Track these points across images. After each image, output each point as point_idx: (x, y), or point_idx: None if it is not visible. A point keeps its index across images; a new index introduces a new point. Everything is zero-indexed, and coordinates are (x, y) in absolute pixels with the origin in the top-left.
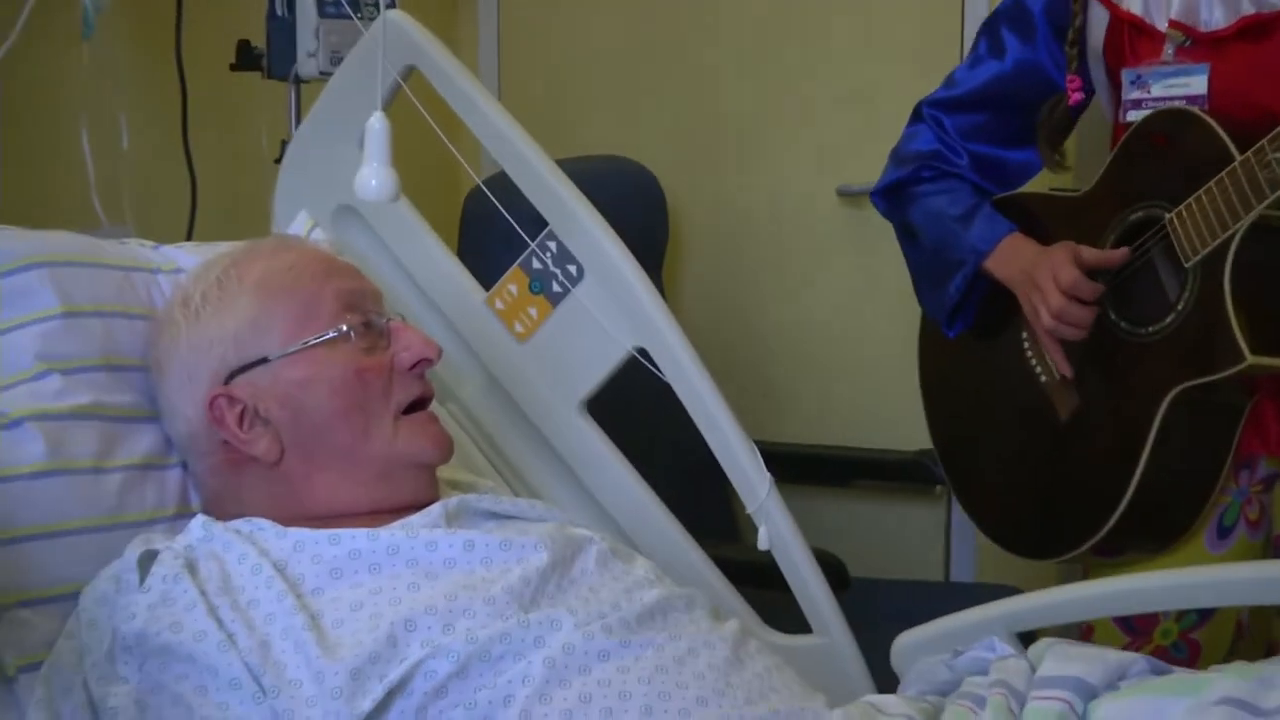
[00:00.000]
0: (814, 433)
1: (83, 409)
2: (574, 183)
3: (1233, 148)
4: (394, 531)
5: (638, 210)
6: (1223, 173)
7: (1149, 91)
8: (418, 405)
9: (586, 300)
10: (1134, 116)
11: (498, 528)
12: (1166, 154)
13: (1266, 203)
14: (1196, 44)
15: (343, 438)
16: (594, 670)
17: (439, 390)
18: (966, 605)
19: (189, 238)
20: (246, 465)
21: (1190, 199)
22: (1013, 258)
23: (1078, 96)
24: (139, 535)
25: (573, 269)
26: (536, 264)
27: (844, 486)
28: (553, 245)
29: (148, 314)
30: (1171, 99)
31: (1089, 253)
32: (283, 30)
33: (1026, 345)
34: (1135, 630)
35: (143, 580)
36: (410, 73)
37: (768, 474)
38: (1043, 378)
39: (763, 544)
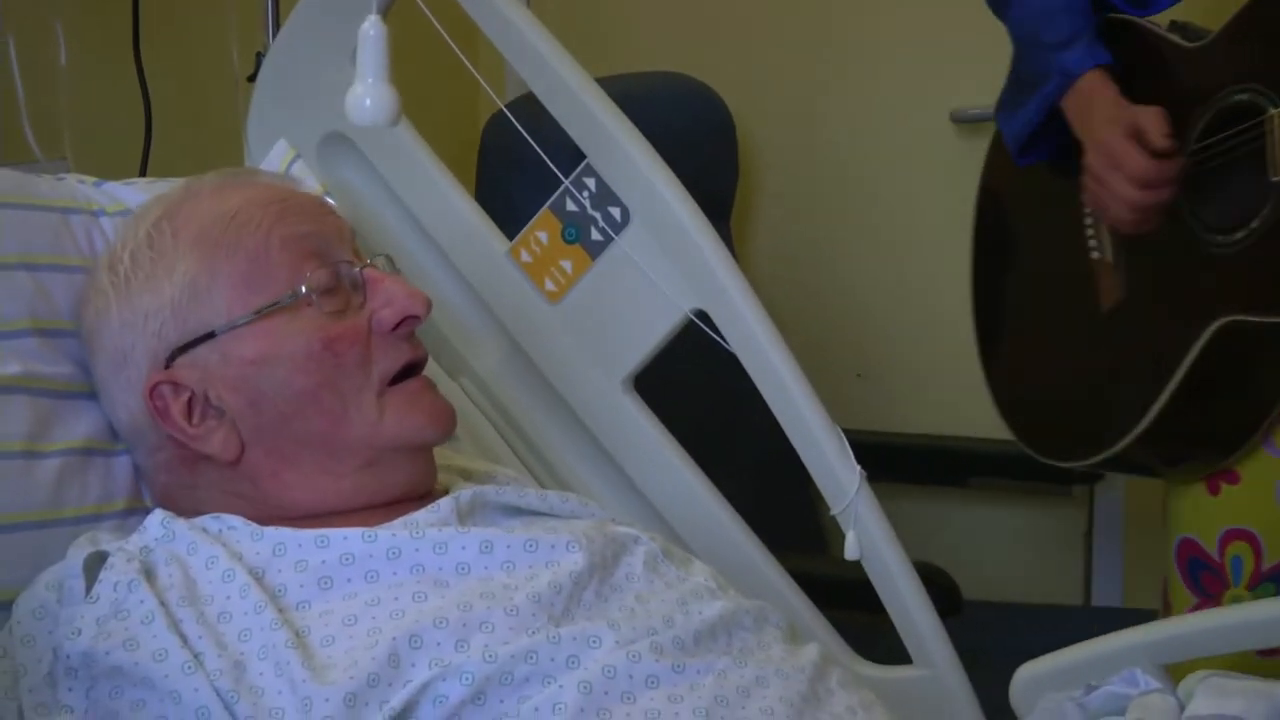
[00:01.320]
0: (919, 420)
1: (10, 380)
2: (619, 106)
3: None
4: (395, 531)
5: (699, 142)
6: None
7: None
8: (408, 372)
9: (633, 251)
10: None
11: (522, 526)
12: None
13: None
14: None
15: (315, 425)
16: (640, 699)
17: (450, 362)
18: (1106, 634)
19: (143, 174)
20: (201, 462)
21: None
22: (1086, 108)
23: None
24: (83, 534)
25: (616, 213)
26: (571, 206)
27: (958, 486)
28: (591, 183)
29: (88, 265)
30: None
31: (1155, 133)
32: None
33: (1088, 209)
34: (1204, 591)
35: (90, 588)
36: None
37: (858, 467)
38: (1094, 253)
39: (850, 553)
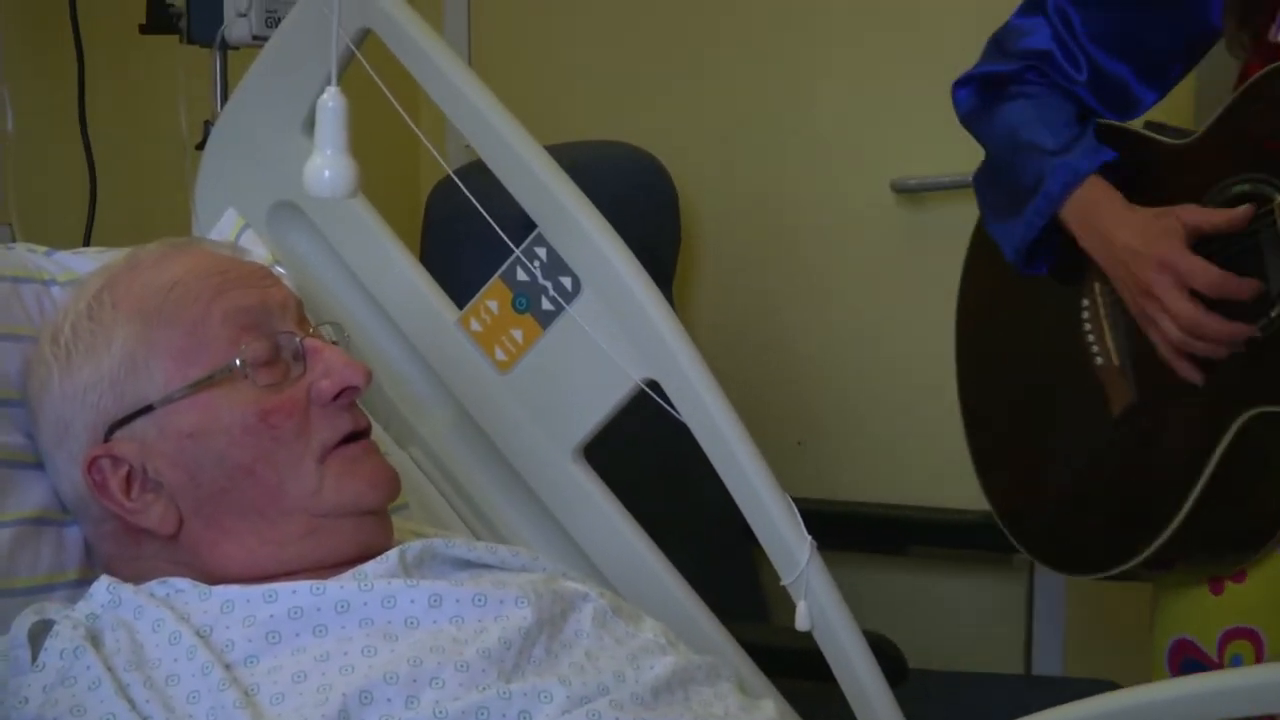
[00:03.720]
0: (859, 488)
1: None
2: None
3: None
4: (344, 583)
5: (641, 209)
6: None
7: None
8: (349, 441)
9: (584, 320)
10: None
11: (470, 579)
12: None
13: None
14: None
15: (252, 497)
16: None
17: (399, 430)
18: (1051, 704)
19: (86, 243)
20: (144, 534)
21: None
22: (1093, 215)
23: None
24: (30, 605)
25: (567, 282)
26: (522, 275)
27: (898, 554)
28: (542, 252)
29: (38, 335)
30: None
31: (1201, 217)
32: None
33: (1086, 314)
34: None
35: (35, 657)
36: (365, 37)
37: (808, 536)
38: (1098, 359)
39: (801, 624)
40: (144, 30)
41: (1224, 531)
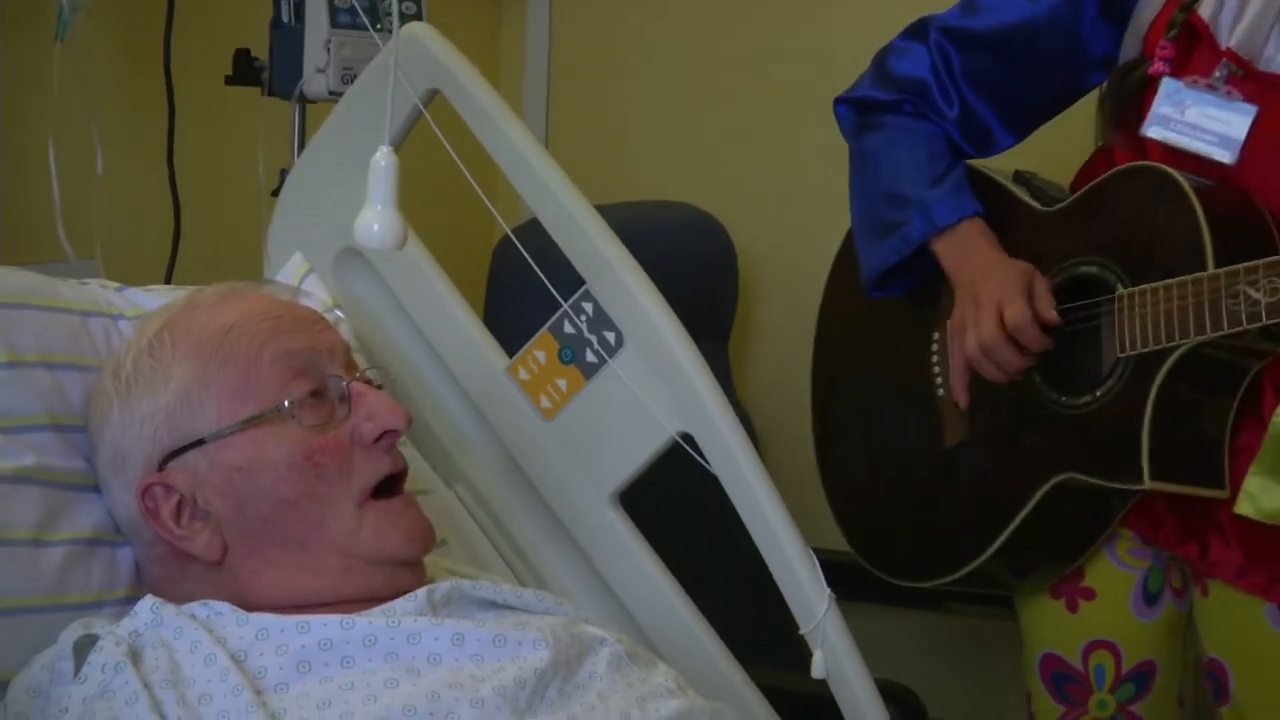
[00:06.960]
0: None
1: (23, 471)
2: (628, 232)
3: (1209, 255)
4: (373, 619)
5: (701, 268)
6: (1188, 279)
7: (1183, 114)
8: (388, 483)
9: (625, 374)
10: (1155, 134)
11: (493, 620)
12: (1142, 219)
13: (1219, 334)
14: (1249, 78)
15: (295, 529)
16: None
17: (447, 470)
18: None
19: (168, 280)
20: (190, 559)
21: (1146, 287)
22: (968, 252)
23: (1161, 67)
24: (79, 619)
25: (610, 336)
26: (569, 329)
27: (925, 607)
28: (589, 307)
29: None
30: (1204, 132)
31: (1043, 297)
32: (288, 40)
33: (935, 347)
34: (1069, 700)
35: (78, 669)
36: (433, 98)
37: (827, 589)
38: (940, 391)
39: (817, 671)
40: (229, 81)
41: (1030, 562)
